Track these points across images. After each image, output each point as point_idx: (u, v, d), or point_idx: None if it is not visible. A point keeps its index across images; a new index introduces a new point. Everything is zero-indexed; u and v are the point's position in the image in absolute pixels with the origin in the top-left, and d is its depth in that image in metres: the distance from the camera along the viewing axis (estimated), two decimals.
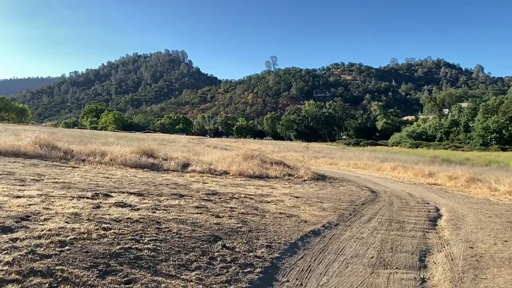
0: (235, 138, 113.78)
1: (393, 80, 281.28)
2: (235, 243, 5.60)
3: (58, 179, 9.76)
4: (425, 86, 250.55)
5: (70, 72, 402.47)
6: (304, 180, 16.08)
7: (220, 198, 9.22)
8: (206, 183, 12.62)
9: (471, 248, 6.89)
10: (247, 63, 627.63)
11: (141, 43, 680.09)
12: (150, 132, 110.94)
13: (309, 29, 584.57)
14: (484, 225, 9.00)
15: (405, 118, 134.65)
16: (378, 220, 8.85)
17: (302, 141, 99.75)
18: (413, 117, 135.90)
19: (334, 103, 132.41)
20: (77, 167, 13.40)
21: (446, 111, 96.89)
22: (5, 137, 18.60)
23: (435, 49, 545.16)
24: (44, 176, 10.06)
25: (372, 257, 5.91)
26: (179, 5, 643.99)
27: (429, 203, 12.79)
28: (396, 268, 5.55)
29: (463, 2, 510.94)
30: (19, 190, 7.32)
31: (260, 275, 4.67)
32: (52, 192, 7.44)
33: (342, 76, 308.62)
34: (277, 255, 5.42)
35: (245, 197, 9.93)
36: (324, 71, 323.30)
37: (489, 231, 8.32)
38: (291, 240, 6.19)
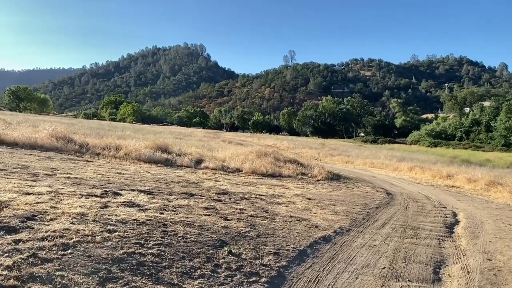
0: (251, 132, 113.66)
1: (413, 77, 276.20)
2: (241, 249, 5.46)
3: (71, 174, 9.81)
4: (446, 84, 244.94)
5: (91, 64, 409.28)
6: (318, 180, 15.84)
7: (230, 198, 9.09)
8: (218, 181, 12.52)
9: (489, 260, 6.59)
10: (264, 58, 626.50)
11: (160, 36, 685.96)
12: (168, 125, 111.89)
13: (328, 23, 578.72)
14: (503, 234, 8.65)
15: (424, 116, 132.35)
16: (392, 225, 8.59)
17: (318, 137, 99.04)
18: (432, 115, 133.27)
19: (352, 99, 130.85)
20: (91, 161, 13.48)
21: (467, 110, 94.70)
22: (24, 129, 18.92)
23: (458, 46, 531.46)
24: (57, 170, 10.12)
25: (384, 268, 5.69)
26: None
27: (446, 207, 12.42)
28: (409, 280, 5.32)
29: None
30: (30, 186, 7.34)
31: (266, 285, 4.52)
32: (62, 189, 7.44)
33: (361, 72, 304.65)
34: (285, 263, 5.26)
35: (255, 197, 9.78)
36: (343, 67, 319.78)
37: (508, 241, 7.98)
38: (300, 247, 6.01)
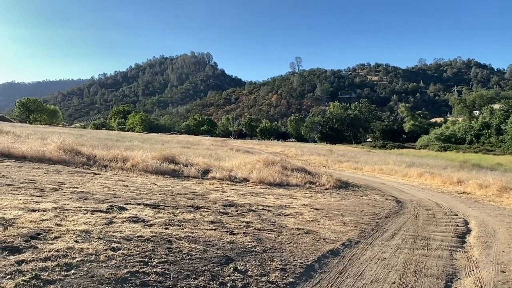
0: (259, 140, 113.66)
1: (421, 81, 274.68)
2: (247, 265, 5.36)
3: (77, 188, 9.81)
4: (455, 87, 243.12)
5: (99, 74, 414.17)
6: (326, 189, 15.68)
7: (237, 211, 9.00)
8: (225, 191, 12.44)
9: (503, 272, 6.40)
10: (271, 65, 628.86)
11: (167, 46, 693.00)
12: (176, 134, 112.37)
13: (334, 29, 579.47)
14: None
15: (433, 120, 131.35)
16: (401, 236, 8.41)
17: (327, 143, 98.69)
18: (441, 119, 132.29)
19: (360, 104, 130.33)
20: (98, 174, 13.50)
21: (476, 113, 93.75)
22: (32, 142, 19.07)
23: (465, 49, 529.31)
24: (64, 184, 10.13)
25: (394, 283, 5.54)
26: (204, 8, 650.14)
27: (457, 215, 12.19)
28: None
29: (492, 1, 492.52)
30: (36, 202, 7.33)
31: None
32: (67, 204, 7.42)
33: (368, 77, 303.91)
34: (291, 279, 5.14)
35: (263, 209, 9.67)
36: (350, 72, 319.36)
37: None
38: (307, 261, 5.89)
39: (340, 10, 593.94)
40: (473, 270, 6.51)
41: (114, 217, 6.86)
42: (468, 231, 9.80)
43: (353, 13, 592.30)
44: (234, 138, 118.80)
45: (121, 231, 5.96)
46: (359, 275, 5.73)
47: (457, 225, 10.38)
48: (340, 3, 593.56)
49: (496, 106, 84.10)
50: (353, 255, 6.64)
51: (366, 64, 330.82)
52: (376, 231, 8.65)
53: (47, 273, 4.19)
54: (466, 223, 10.89)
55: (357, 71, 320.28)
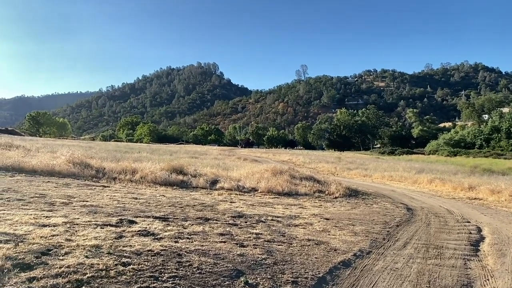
0: (266, 148, 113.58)
1: (428, 86, 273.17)
2: (258, 279, 5.31)
3: (87, 201, 9.84)
4: (463, 91, 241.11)
5: (107, 87, 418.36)
6: (336, 197, 15.56)
7: (246, 222, 8.96)
8: (234, 202, 12.41)
9: None
10: (277, 73, 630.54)
11: (174, 57, 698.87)
12: (183, 144, 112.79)
13: (339, 36, 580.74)
14: None
15: (441, 125, 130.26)
16: (414, 245, 8.29)
17: (334, 150, 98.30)
18: (450, 123, 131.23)
19: (367, 110, 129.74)
20: (107, 187, 13.56)
21: (485, 117, 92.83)
22: (42, 155, 19.25)
23: (472, 53, 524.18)
24: (74, 198, 10.18)
25: None
26: (209, 18, 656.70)
27: (469, 222, 12.01)
28: None
29: (499, 4, 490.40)
30: (46, 217, 7.37)
31: None
32: (77, 219, 7.44)
33: (374, 83, 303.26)
34: None
35: (272, 219, 9.61)
36: (356, 78, 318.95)
37: None
38: (318, 273, 5.82)
39: (344, 18, 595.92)
40: (488, 280, 6.38)
41: (124, 231, 6.86)
42: (482, 238, 9.63)
43: (358, 20, 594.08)
44: (242, 147, 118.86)
45: (131, 246, 5.95)
46: (372, 287, 5.64)
47: (470, 233, 10.21)
48: (344, 11, 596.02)
49: (506, 110, 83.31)
50: (365, 266, 6.55)
51: (372, 70, 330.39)
52: (388, 240, 8.54)
53: None
54: (479, 230, 10.71)
55: (363, 78, 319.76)
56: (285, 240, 7.55)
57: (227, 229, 7.91)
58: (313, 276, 5.68)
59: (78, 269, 4.75)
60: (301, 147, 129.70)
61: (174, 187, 15.13)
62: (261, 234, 7.81)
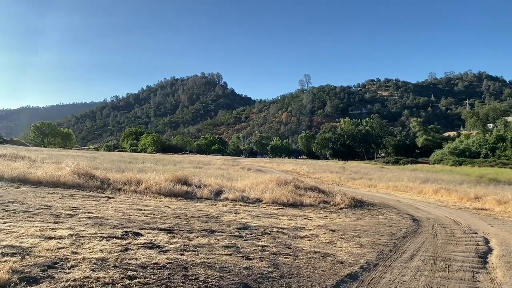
0: (270, 158, 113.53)
1: (432, 95, 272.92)
2: None
3: (92, 213, 9.85)
4: (467, 100, 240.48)
5: (112, 97, 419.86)
6: (341, 208, 15.48)
7: (251, 234, 8.91)
8: (238, 213, 12.37)
9: None
10: (280, 83, 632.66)
11: (178, 67, 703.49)
12: (187, 154, 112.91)
13: (342, 46, 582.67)
14: None
15: (446, 134, 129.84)
16: (421, 257, 8.21)
17: (338, 159, 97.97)
18: (454, 133, 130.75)
19: (371, 120, 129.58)
20: (112, 198, 13.57)
21: (490, 126, 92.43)
22: (47, 166, 19.32)
23: (476, 62, 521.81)
24: (79, 210, 10.19)
25: None
26: (213, 30, 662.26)
27: (477, 233, 11.90)
28: None
29: (502, 12, 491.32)
30: (52, 229, 7.37)
31: None
32: (83, 231, 7.44)
33: (378, 92, 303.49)
34: None
35: (277, 231, 9.56)
36: (360, 88, 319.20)
37: None
38: (325, 287, 5.76)
39: (347, 28, 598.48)
40: None
41: (130, 243, 6.84)
42: (490, 250, 9.53)
43: (360, 30, 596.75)
44: (245, 157, 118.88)
45: (136, 258, 5.93)
46: None
47: (478, 244, 10.10)
48: (347, 21, 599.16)
49: (510, 119, 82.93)
50: (372, 279, 6.49)
51: (375, 80, 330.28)
52: (395, 253, 8.46)
53: None
54: (487, 241, 10.60)
55: (366, 87, 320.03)
56: (291, 253, 7.50)
57: (233, 241, 7.87)
58: None
59: (85, 283, 4.73)
60: (305, 157, 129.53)
61: (179, 198, 15.11)
62: (267, 246, 7.76)
